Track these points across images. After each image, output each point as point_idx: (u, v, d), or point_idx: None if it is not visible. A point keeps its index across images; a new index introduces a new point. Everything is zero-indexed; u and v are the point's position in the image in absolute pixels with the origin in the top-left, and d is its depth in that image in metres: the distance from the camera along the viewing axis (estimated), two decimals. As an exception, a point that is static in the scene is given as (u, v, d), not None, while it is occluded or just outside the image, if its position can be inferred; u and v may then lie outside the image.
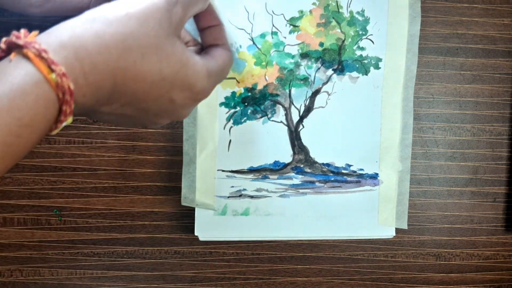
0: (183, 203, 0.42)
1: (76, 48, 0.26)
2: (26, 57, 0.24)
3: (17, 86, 0.24)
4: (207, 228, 0.43)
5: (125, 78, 0.28)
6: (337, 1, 0.42)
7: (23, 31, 0.25)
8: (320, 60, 0.43)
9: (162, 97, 0.30)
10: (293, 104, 0.43)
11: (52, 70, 0.24)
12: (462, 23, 0.46)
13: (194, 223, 0.43)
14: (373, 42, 0.43)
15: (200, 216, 0.43)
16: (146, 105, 0.30)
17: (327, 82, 0.43)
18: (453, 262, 0.48)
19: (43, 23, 0.39)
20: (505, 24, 0.46)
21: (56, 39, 0.26)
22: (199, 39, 0.37)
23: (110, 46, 0.27)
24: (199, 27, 0.36)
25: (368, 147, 0.44)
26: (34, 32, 0.26)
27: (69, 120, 0.26)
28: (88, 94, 0.27)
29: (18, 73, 0.24)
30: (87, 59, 0.26)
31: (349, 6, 0.42)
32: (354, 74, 0.43)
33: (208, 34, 0.36)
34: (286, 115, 0.43)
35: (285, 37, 0.42)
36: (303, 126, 0.43)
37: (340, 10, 0.42)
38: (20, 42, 0.25)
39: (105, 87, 0.27)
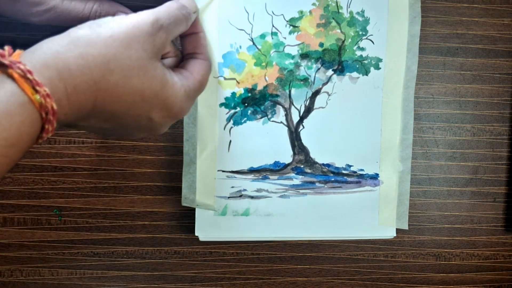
0: (184, 204, 0.42)
1: (59, 69, 0.26)
2: (11, 77, 0.25)
3: (3, 107, 0.24)
4: (207, 228, 0.43)
5: (106, 98, 0.29)
6: (337, 2, 0.42)
7: (7, 49, 0.26)
8: (320, 60, 0.43)
9: (141, 116, 0.31)
10: (293, 105, 0.43)
11: (37, 91, 0.25)
12: (462, 23, 0.46)
13: (194, 223, 0.43)
14: (373, 42, 0.43)
15: (200, 217, 0.43)
16: (124, 122, 0.31)
17: (327, 82, 0.43)
18: (453, 262, 0.48)
19: (43, 31, 0.39)
20: (505, 24, 0.46)
21: (40, 59, 0.26)
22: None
23: (93, 67, 0.27)
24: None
25: (369, 148, 0.44)
26: (19, 51, 0.26)
27: (50, 135, 0.27)
28: (70, 113, 0.27)
29: (4, 93, 0.25)
30: (70, 80, 0.27)
31: (349, 7, 0.42)
32: (354, 74, 0.43)
33: (188, 41, 0.37)
34: (286, 115, 0.43)
35: (285, 38, 0.42)
36: (303, 127, 0.43)
37: (340, 11, 0.42)
38: (5, 61, 0.25)
39: (86, 106, 0.28)
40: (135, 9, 0.42)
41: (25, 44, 0.41)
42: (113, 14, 0.38)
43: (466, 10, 0.46)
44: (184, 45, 0.38)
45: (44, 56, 0.26)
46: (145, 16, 0.31)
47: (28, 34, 0.41)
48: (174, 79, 0.32)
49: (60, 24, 0.37)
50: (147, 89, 0.30)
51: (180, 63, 0.37)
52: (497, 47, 0.46)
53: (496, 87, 0.47)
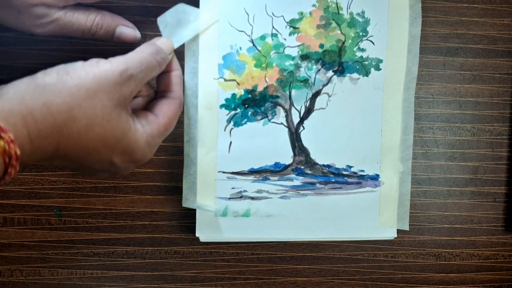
0: (184, 205, 0.42)
1: (24, 116, 0.27)
2: None
3: None
4: (208, 229, 0.43)
5: (68, 144, 0.30)
6: (337, 3, 0.42)
7: None
8: (320, 61, 0.43)
9: (103, 160, 0.32)
10: (293, 106, 0.43)
11: (1, 137, 0.26)
12: (462, 23, 0.46)
13: (194, 223, 0.43)
14: (373, 43, 0.43)
15: (201, 218, 0.43)
16: (87, 164, 0.32)
17: (327, 83, 0.43)
18: (453, 262, 0.48)
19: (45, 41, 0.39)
20: (505, 24, 0.46)
21: (6, 105, 0.27)
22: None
23: (56, 115, 0.28)
24: None
25: (369, 148, 0.44)
26: None
27: (12, 177, 0.28)
28: (32, 156, 0.28)
29: None
30: (33, 126, 0.28)
31: (349, 8, 0.42)
32: (355, 75, 0.43)
33: (161, 79, 0.38)
34: (286, 116, 0.43)
35: (285, 39, 0.42)
36: (304, 128, 0.43)
37: (340, 12, 0.42)
38: None
39: (49, 150, 0.29)
40: (135, 9, 0.42)
41: (32, 56, 0.41)
42: (114, 27, 0.39)
43: (466, 10, 0.46)
44: (157, 82, 0.38)
45: (10, 102, 0.27)
46: (115, 65, 0.31)
47: (35, 49, 0.41)
48: (137, 126, 0.33)
49: (63, 35, 0.38)
50: (109, 136, 0.31)
51: (152, 101, 0.37)
52: (497, 47, 0.46)
53: (496, 87, 0.47)
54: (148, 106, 0.37)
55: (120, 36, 0.40)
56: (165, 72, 0.37)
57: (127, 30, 0.40)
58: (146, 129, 0.34)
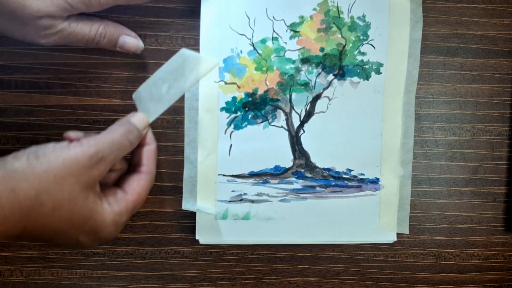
0: (184, 208, 0.43)
1: None
2: None
3: None
4: (208, 232, 0.43)
5: (36, 226, 0.30)
6: (337, 7, 0.42)
7: None
8: (321, 65, 0.43)
9: (70, 238, 0.33)
10: (293, 109, 0.43)
11: None
12: (462, 23, 0.46)
13: (194, 223, 0.43)
14: (374, 47, 0.43)
15: (201, 220, 0.43)
16: (55, 242, 0.33)
17: (327, 87, 0.43)
18: (453, 262, 0.48)
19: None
20: (505, 24, 0.46)
21: None
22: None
23: (23, 201, 0.29)
24: None
25: (369, 152, 0.44)
26: None
27: None
28: None
29: None
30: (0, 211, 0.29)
31: (350, 12, 0.42)
32: (355, 79, 0.43)
33: (135, 152, 0.38)
34: (286, 120, 0.43)
35: (285, 43, 0.42)
36: (304, 131, 0.43)
37: (341, 16, 0.42)
38: None
39: (15, 233, 0.30)
40: (135, 8, 0.42)
41: (32, 56, 0.41)
42: (117, 36, 0.39)
43: (466, 10, 0.46)
44: (130, 156, 0.38)
45: None
46: (85, 149, 0.32)
47: (35, 49, 0.41)
48: (104, 206, 0.34)
49: (67, 44, 0.39)
50: (76, 217, 0.32)
51: (124, 175, 0.38)
52: (497, 47, 0.46)
53: (496, 87, 0.47)
54: (119, 181, 0.37)
55: (123, 45, 0.40)
56: (139, 146, 0.38)
57: (130, 40, 0.40)
58: (114, 208, 0.34)
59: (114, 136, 0.34)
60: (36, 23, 0.35)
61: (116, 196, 0.35)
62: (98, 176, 0.33)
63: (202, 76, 0.38)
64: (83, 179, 0.31)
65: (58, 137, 0.43)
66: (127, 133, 0.35)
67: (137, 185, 0.36)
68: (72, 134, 0.34)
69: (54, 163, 0.30)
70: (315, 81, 0.43)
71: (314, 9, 0.42)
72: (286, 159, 0.43)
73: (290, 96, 0.43)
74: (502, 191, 0.48)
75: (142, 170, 0.37)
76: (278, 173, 0.43)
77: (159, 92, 0.38)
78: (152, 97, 0.38)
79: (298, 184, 0.44)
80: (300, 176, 0.44)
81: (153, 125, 0.39)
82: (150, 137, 0.38)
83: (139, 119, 0.37)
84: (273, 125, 0.43)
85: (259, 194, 0.43)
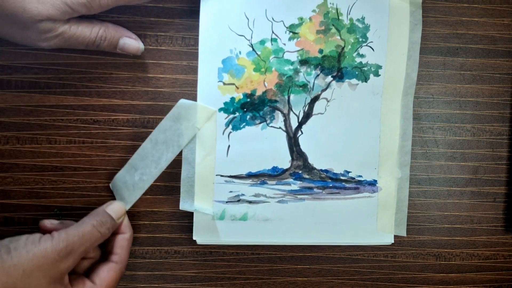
0: (182, 208, 0.43)
1: None
2: None
3: None
4: (205, 232, 0.43)
5: None
6: (337, 8, 0.42)
7: None
8: (320, 66, 0.43)
9: None
10: (292, 110, 0.43)
11: None
12: (462, 23, 0.46)
13: (193, 224, 0.43)
14: (373, 49, 0.43)
15: (198, 221, 0.43)
16: None
17: (326, 88, 0.43)
18: (453, 262, 0.48)
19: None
20: (505, 24, 0.46)
21: None
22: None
23: None
24: None
25: (367, 154, 0.44)
26: None
27: None
28: None
29: None
30: None
31: (349, 14, 0.42)
32: (354, 81, 0.43)
33: (108, 240, 0.39)
34: (285, 121, 0.43)
35: (284, 44, 0.42)
36: (302, 132, 0.43)
37: (340, 17, 0.42)
38: None
39: None
40: (135, 8, 0.42)
41: (33, 56, 0.41)
42: (118, 39, 0.40)
43: (466, 10, 0.46)
44: (105, 242, 0.39)
45: None
46: (55, 243, 0.33)
47: (35, 49, 0.41)
48: None
49: (68, 47, 0.39)
50: None
51: (96, 263, 0.39)
52: (497, 47, 0.46)
53: (496, 87, 0.47)
54: (90, 269, 0.38)
55: (124, 47, 0.40)
56: (114, 234, 0.39)
57: (130, 42, 0.40)
58: None
59: (85, 229, 0.35)
60: (37, 27, 0.35)
61: (85, 287, 0.36)
62: (66, 269, 0.34)
63: (201, 125, 0.39)
64: (50, 273, 0.33)
65: (58, 137, 0.43)
66: (99, 225, 0.36)
67: (107, 276, 0.37)
68: (47, 222, 0.36)
69: (24, 257, 0.32)
70: (314, 82, 0.43)
71: (314, 10, 0.42)
72: (284, 160, 0.43)
73: (289, 97, 0.43)
74: (502, 191, 0.48)
75: (113, 259, 0.38)
76: (276, 174, 0.43)
77: (132, 180, 0.40)
78: (127, 186, 0.40)
79: (295, 185, 0.44)
80: (297, 177, 0.44)
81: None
82: (125, 226, 0.39)
83: (115, 209, 0.38)
84: (271, 126, 0.43)
85: (256, 195, 0.43)
